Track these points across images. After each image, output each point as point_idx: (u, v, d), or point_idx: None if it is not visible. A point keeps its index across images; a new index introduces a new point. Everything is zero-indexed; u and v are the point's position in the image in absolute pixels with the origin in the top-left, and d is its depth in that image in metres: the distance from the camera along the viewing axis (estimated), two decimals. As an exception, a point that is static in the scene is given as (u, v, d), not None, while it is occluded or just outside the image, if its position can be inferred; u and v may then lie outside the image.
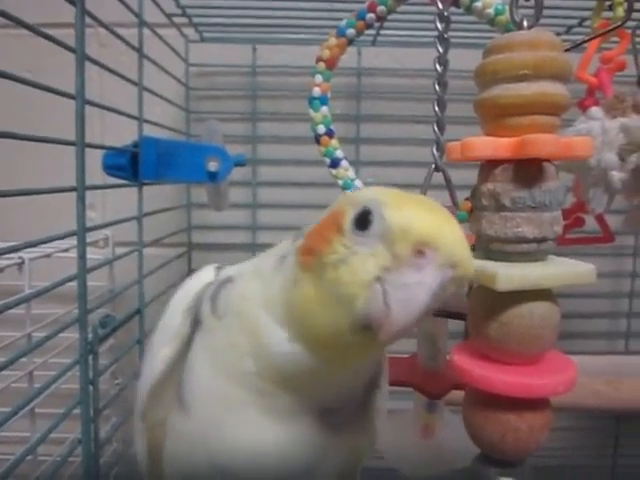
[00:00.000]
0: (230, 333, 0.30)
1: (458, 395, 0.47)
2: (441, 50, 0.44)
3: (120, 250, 0.76)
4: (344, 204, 0.27)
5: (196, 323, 0.32)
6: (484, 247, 0.35)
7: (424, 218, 0.25)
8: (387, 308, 0.24)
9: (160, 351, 0.33)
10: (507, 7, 0.39)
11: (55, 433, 0.44)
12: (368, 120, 0.80)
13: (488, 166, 0.34)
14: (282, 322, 0.28)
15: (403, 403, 0.58)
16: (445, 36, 0.44)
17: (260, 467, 0.30)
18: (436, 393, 0.45)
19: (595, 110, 0.58)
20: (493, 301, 0.33)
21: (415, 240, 0.24)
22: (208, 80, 0.80)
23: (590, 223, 0.62)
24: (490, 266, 0.32)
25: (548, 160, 0.33)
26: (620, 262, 0.79)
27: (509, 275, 0.31)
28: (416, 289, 0.23)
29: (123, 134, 0.57)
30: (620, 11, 0.55)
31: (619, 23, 0.50)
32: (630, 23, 0.55)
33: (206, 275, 0.35)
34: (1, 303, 0.37)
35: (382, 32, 0.74)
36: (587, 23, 0.64)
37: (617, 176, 0.58)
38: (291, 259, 0.28)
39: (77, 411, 0.46)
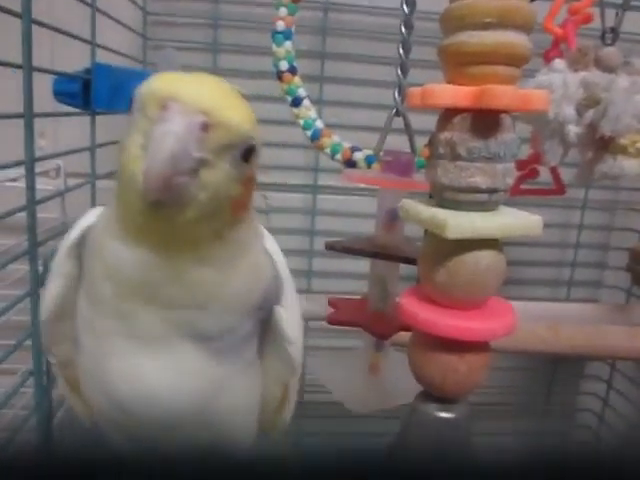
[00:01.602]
0: (90, 266, 0.31)
1: (405, 336, 0.49)
2: (408, -10, 0.43)
3: (72, 182, 0.73)
4: None
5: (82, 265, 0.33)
6: (438, 195, 0.35)
7: (170, 79, 0.26)
8: None
9: (47, 289, 0.34)
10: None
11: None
12: (333, 58, 0.78)
13: (447, 114, 0.34)
14: (120, 235, 0.28)
15: (353, 342, 0.60)
16: (413, -25, 0.43)
17: (144, 398, 0.30)
18: (384, 333, 0.47)
19: (558, 62, 0.58)
20: (442, 248, 0.34)
21: (159, 98, 0.25)
22: (167, 5, 0.76)
23: (543, 175, 0.63)
24: (441, 214, 0.33)
25: (505, 111, 0.33)
26: (569, 214, 0.82)
27: (459, 224, 0.32)
28: (161, 138, 0.24)
29: (75, 59, 0.53)
30: (591, -39, 0.54)
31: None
32: (600, -26, 0.55)
33: (89, 216, 0.34)
34: None
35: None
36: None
37: (573, 130, 0.59)
38: None
39: (27, 343, 0.46)
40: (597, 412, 0.82)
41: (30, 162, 0.43)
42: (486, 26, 0.31)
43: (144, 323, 0.29)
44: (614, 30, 0.60)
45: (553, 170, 0.64)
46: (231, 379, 0.32)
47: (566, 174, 0.65)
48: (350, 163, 0.52)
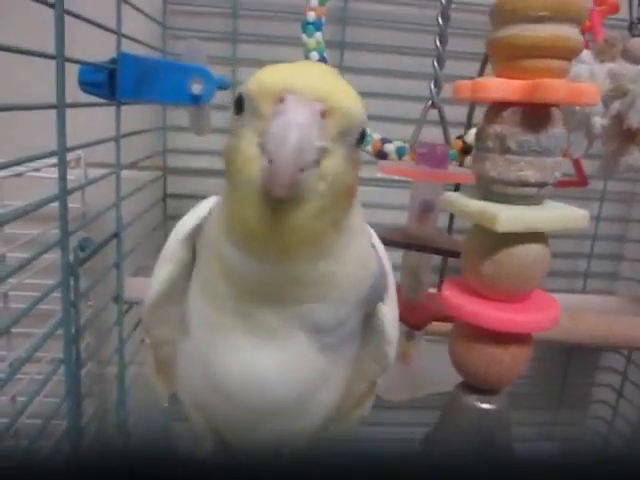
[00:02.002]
0: (207, 262, 0.31)
1: (435, 326, 0.49)
2: (446, -20, 0.43)
3: (91, 171, 0.73)
4: None
5: (195, 254, 0.33)
6: (484, 188, 0.35)
7: (275, 71, 0.25)
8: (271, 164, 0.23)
9: (158, 272, 0.34)
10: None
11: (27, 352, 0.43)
12: (353, 48, 0.77)
13: (496, 108, 0.34)
14: (231, 241, 0.28)
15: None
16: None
17: (255, 389, 0.30)
18: (417, 323, 0.47)
19: (585, 53, 0.58)
20: (489, 241, 0.34)
21: (271, 93, 0.24)
22: (187, -6, 0.76)
23: (565, 166, 0.63)
24: (491, 207, 0.33)
25: (556, 105, 0.33)
26: (587, 205, 0.82)
27: (510, 217, 0.32)
28: (283, 130, 0.23)
29: (93, 49, 0.53)
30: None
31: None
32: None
33: (204, 206, 0.34)
34: None
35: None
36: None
37: (599, 122, 0.59)
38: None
39: (58, 332, 0.46)
40: (612, 404, 0.83)
41: (62, 152, 0.43)
42: (540, 19, 0.31)
43: (263, 321, 0.29)
44: (642, 21, 0.60)
45: (576, 162, 0.64)
46: (333, 373, 0.32)
47: (587, 166, 0.65)
48: (381, 155, 0.52)
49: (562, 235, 0.82)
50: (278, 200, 0.24)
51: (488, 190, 0.35)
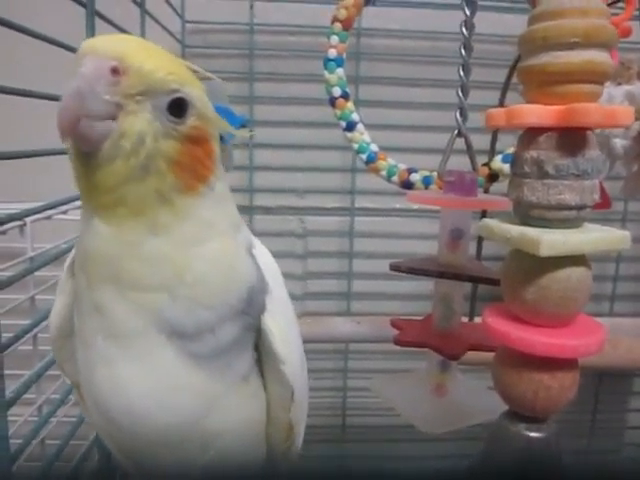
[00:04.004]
0: (74, 263, 0.31)
1: (469, 355, 0.48)
2: (468, 13, 0.44)
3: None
4: None
5: None
6: (523, 213, 0.35)
7: (92, 39, 0.27)
8: None
9: (53, 309, 0.34)
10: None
11: (58, 394, 0.43)
12: (367, 82, 0.79)
13: (531, 133, 0.34)
14: (85, 218, 0.28)
15: (415, 363, 0.60)
16: (472, -1, 0.44)
17: (133, 409, 0.29)
18: (453, 353, 0.47)
19: (601, 77, 0.58)
20: (531, 266, 0.34)
21: (80, 54, 0.25)
22: (204, 38, 0.78)
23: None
24: (531, 232, 0.33)
25: (590, 128, 0.34)
26: (609, 227, 0.82)
27: (552, 241, 0.32)
28: (69, 82, 0.24)
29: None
30: (629, -22, 0.55)
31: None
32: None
33: None
34: (10, 268, 0.36)
35: (382, -8, 0.72)
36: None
37: (620, 143, 0.59)
38: None
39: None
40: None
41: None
42: (572, 46, 0.31)
43: (118, 313, 0.28)
44: (656, 44, 0.60)
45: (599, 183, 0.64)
46: (223, 395, 0.30)
47: (608, 187, 0.65)
48: (407, 184, 0.52)
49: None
50: (85, 154, 0.25)
51: (527, 215, 0.35)
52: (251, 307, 0.31)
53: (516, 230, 0.34)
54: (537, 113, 0.33)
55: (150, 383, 0.28)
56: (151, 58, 0.26)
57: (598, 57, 0.32)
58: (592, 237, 0.33)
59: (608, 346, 0.59)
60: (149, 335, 0.28)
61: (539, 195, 0.33)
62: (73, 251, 0.32)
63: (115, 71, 0.25)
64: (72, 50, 0.40)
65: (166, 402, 0.29)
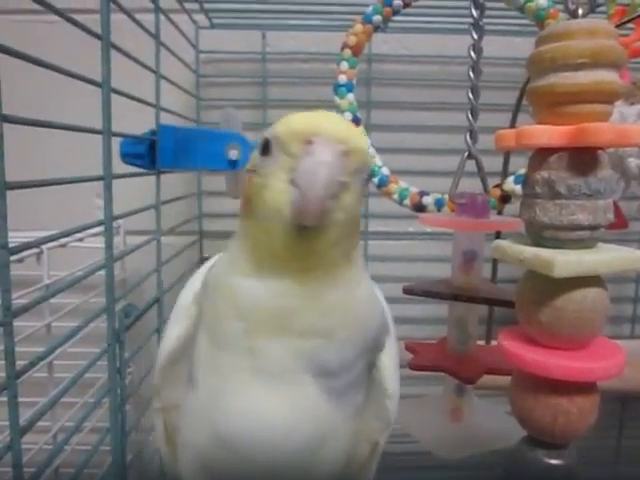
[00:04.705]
0: (215, 307, 0.32)
1: (487, 380, 0.48)
2: (475, 37, 0.44)
3: (130, 239, 0.75)
4: (253, 154, 0.31)
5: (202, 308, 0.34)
6: (536, 234, 0.35)
7: (301, 118, 0.29)
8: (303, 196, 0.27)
9: (171, 331, 0.35)
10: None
11: (72, 421, 0.43)
12: (379, 107, 0.79)
13: (541, 154, 0.34)
14: (250, 274, 0.30)
15: (428, 388, 0.59)
16: (480, 23, 0.44)
17: (262, 438, 0.30)
18: (469, 377, 0.46)
19: (613, 98, 0.58)
20: (545, 287, 0.34)
21: (301, 135, 0.27)
22: (217, 67, 0.79)
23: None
24: (545, 253, 0.33)
25: (602, 148, 0.34)
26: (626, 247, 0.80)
27: (566, 262, 0.32)
28: (314, 167, 0.26)
29: (129, 122, 0.55)
30: (638, -1, 0.55)
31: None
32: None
33: (211, 262, 0.36)
34: (26, 295, 0.36)
35: (392, 18, 0.73)
36: (601, 9, 0.64)
37: (634, 162, 0.59)
38: (240, 224, 0.32)
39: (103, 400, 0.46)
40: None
41: (109, 222, 0.44)
42: (580, 67, 0.32)
43: (274, 357, 0.30)
44: (667, 63, 0.60)
45: (614, 204, 0.64)
46: (339, 425, 0.32)
47: (625, 207, 0.64)
48: (419, 207, 0.52)
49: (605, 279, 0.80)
50: (304, 228, 0.27)
51: (540, 236, 0.35)
52: (376, 343, 0.34)
53: (529, 251, 0.34)
54: (547, 133, 0.33)
55: (290, 415, 0.30)
56: (361, 137, 0.30)
57: (607, 77, 0.32)
58: (607, 257, 0.33)
59: (629, 369, 0.58)
60: (297, 374, 0.30)
61: (551, 216, 0.33)
62: (197, 279, 0.35)
63: (345, 154, 0.27)
64: (92, 83, 0.40)
65: (301, 432, 0.31)
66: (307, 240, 0.28)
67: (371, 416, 0.35)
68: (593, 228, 0.33)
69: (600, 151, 0.33)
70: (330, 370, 0.31)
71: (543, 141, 0.33)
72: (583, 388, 0.34)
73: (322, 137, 0.27)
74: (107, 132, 0.42)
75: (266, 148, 0.29)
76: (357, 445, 0.35)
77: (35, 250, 0.58)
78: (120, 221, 0.73)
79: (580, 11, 0.34)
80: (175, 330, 0.35)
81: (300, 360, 0.30)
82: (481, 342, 0.56)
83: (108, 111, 0.43)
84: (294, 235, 0.28)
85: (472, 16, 0.45)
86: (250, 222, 0.30)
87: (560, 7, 0.47)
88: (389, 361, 0.34)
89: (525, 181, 0.35)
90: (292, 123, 0.28)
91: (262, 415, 0.30)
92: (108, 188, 0.44)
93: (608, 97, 0.33)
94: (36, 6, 0.34)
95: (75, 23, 0.39)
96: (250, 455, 0.30)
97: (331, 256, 0.29)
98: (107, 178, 0.44)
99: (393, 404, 0.35)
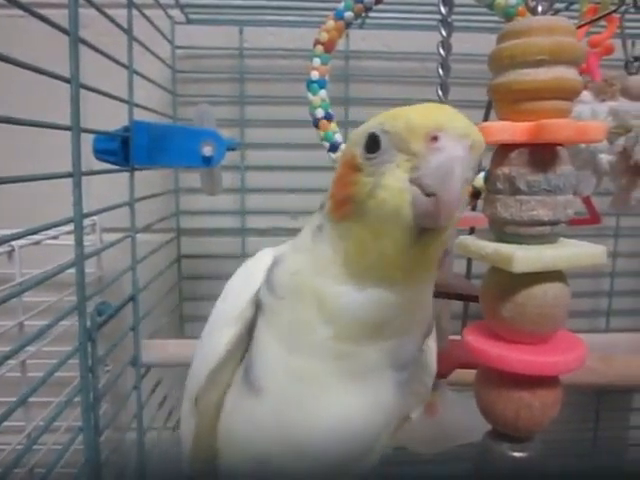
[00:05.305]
0: (295, 310, 0.31)
1: (460, 374, 0.48)
2: (444, 34, 0.45)
3: (106, 236, 0.74)
4: (348, 148, 0.29)
5: (257, 307, 0.33)
6: (498, 230, 0.35)
7: (420, 112, 0.27)
8: (432, 197, 0.25)
9: (223, 333, 0.33)
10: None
11: (44, 421, 0.43)
12: (357, 103, 0.79)
13: (503, 150, 0.34)
14: (343, 279, 0.29)
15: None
16: (449, 20, 0.44)
17: (344, 437, 0.31)
18: (442, 372, 0.46)
19: (584, 94, 0.59)
20: (507, 283, 0.34)
21: (424, 131, 0.26)
22: (194, 63, 0.79)
23: (577, 205, 0.63)
24: (506, 249, 0.33)
25: (561, 144, 0.34)
26: (602, 242, 0.81)
27: (526, 257, 0.32)
28: (448, 164, 0.25)
29: (104, 118, 0.55)
30: (609, -4, 0.56)
31: (612, 9, 0.51)
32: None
33: (265, 259, 0.34)
34: None
35: (369, 15, 0.73)
36: (575, 7, 0.65)
37: (605, 158, 0.59)
38: (328, 225, 0.30)
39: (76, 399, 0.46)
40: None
41: (79, 219, 0.44)
42: (539, 63, 0.32)
43: (363, 360, 0.30)
44: (638, 59, 0.61)
45: (586, 200, 0.64)
46: (398, 411, 0.34)
47: (597, 203, 0.65)
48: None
49: (581, 274, 0.81)
50: (424, 230, 0.26)
51: (502, 231, 0.35)
52: (428, 333, 0.35)
53: (491, 247, 0.34)
54: (507, 130, 0.33)
55: (369, 412, 0.31)
56: (477, 130, 0.27)
57: (566, 74, 0.32)
58: (567, 253, 0.33)
59: (602, 364, 0.59)
60: (380, 372, 0.31)
61: (512, 211, 0.33)
62: (255, 278, 0.33)
63: (470, 148, 0.26)
64: (60, 79, 0.40)
65: (375, 425, 0.32)
66: (425, 244, 0.27)
67: (412, 392, 0.36)
68: (553, 224, 0.34)
69: (560, 147, 0.34)
70: (404, 363, 0.32)
71: (504, 137, 0.33)
72: (546, 382, 0.35)
73: (447, 132, 0.25)
74: (76, 128, 0.42)
75: (374, 144, 0.27)
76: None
77: (7, 248, 0.57)
78: (96, 218, 0.72)
79: (540, 8, 0.34)
80: (228, 332, 0.33)
81: (385, 358, 0.30)
82: (456, 337, 0.57)
83: (77, 107, 0.42)
84: (413, 238, 0.26)
85: (441, 13, 0.45)
86: (353, 224, 0.28)
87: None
88: (433, 344, 0.36)
89: (487, 177, 0.36)
90: (411, 118, 0.26)
91: (344, 419, 0.30)
92: (77, 185, 0.44)
93: (567, 94, 0.33)
94: (2, 1, 0.34)
95: (42, 18, 0.39)
96: (318, 457, 0.31)
97: (435, 260, 0.28)
98: (76, 175, 0.43)
99: (431, 380, 0.37)
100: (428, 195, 0.25)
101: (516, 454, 0.36)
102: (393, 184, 0.26)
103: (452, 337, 0.53)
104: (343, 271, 0.29)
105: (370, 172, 0.27)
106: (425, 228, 0.26)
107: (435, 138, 0.25)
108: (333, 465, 0.31)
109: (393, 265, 0.27)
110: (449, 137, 0.25)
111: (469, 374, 0.45)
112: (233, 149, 0.66)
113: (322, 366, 0.30)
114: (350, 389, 0.30)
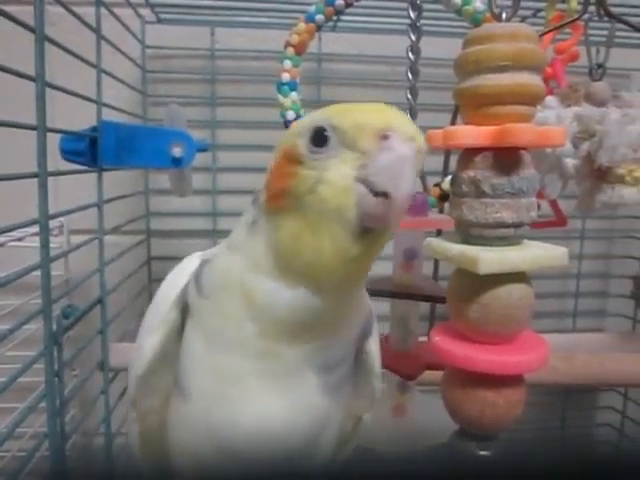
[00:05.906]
0: (221, 307, 0.30)
1: (428, 375, 0.48)
2: (413, 38, 0.45)
3: (74, 238, 0.73)
4: (289, 138, 0.28)
5: (185, 309, 0.33)
6: (464, 232, 0.36)
7: (370, 111, 0.27)
8: (381, 196, 0.25)
9: (148, 339, 0.33)
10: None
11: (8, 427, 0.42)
12: (329, 105, 0.79)
13: (468, 154, 0.35)
14: (275, 275, 0.28)
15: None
16: (417, 24, 0.45)
17: (266, 438, 0.30)
18: (410, 374, 0.47)
19: (550, 99, 0.60)
20: (472, 284, 0.35)
21: (374, 130, 0.25)
22: (165, 63, 0.78)
23: (543, 207, 0.65)
24: (470, 250, 0.34)
25: (525, 148, 0.35)
26: (568, 244, 0.83)
27: (490, 259, 0.33)
28: (398, 163, 0.25)
29: (74, 118, 0.54)
30: (574, 3, 0.57)
31: (577, 16, 0.52)
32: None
33: (191, 263, 0.34)
34: None
35: (342, 18, 0.74)
36: (541, 14, 0.66)
37: (571, 162, 0.60)
38: (262, 218, 0.29)
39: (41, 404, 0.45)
40: (614, 443, 0.82)
41: (45, 220, 0.43)
42: (502, 69, 0.32)
43: (286, 359, 0.29)
44: (601, 66, 0.63)
45: (553, 203, 0.66)
46: (333, 414, 0.33)
47: (564, 205, 0.66)
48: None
49: (548, 275, 0.83)
50: (367, 231, 0.26)
51: (467, 234, 0.35)
52: (365, 331, 0.34)
53: (456, 249, 0.35)
54: (472, 134, 0.33)
55: (289, 414, 0.30)
56: (421, 135, 0.27)
57: (529, 79, 0.33)
58: (530, 254, 0.34)
59: (564, 363, 0.60)
60: (302, 372, 0.30)
61: (477, 214, 0.34)
62: (179, 281, 0.33)
63: (418, 152, 0.26)
64: (25, 77, 0.39)
65: (299, 428, 0.31)
66: (367, 245, 0.26)
67: (358, 396, 0.36)
68: (517, 226, 0.34)
69: (523, 151, 0.34)
70: (331, 365, 0.31)
71: (468, 141, 0.34)
72: (510, 381, 0.35)
73: (397, 132, 0.25)
74: (42, 128, 0.41)
75: (321, 138, 0.26)
76: (343, 424, 0.36)
77: (-32, 250, 0.56)
78: (63, 220, 0.71)
79: (504, 15, 0.35)
80: (152, 340, 0.33)
81: (308, 359, 0.30)
82: (424, 338, 0.57)
83: (42, 106, 0.41)
84: (355, 238, 0.26)
85: (410, 17, 0.45)
86: (289, 217, 0.27)
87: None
88: (375, 346, 0.35)
89: (453, 180, 0.36)
90: (361, 115, 0.26)
91: (267, 417, 0.30)
92: (43, 186, 0.43)
93: (530, 99, 0.34)
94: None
95: (6, 15, 0.38)
96: (252, 456, 0.30)
97: (370, 263, 0.28)
98: (42, 176, 0.42)
99: (378, 382, 0.36)
100: (377, 195, 0.25)
101: (482, 452, 0.37)
102: (338, 181, 0.26)
103: (421, 339, 0.53)
104: (276, 267, 0.28)
105: (312, 166, 0.26)
106: (368, 228, 0.26)
107: (385, 137, 0.25)
108: (268, 464, 0.31)
109: (330, 265, 0.26)
110: (399, 137, 0.25)
111: (439, 375, 0.46)
112: (204, 150, 0.66)
113: (245, 366, 0.30)
114: (273, 389, 0.30)
